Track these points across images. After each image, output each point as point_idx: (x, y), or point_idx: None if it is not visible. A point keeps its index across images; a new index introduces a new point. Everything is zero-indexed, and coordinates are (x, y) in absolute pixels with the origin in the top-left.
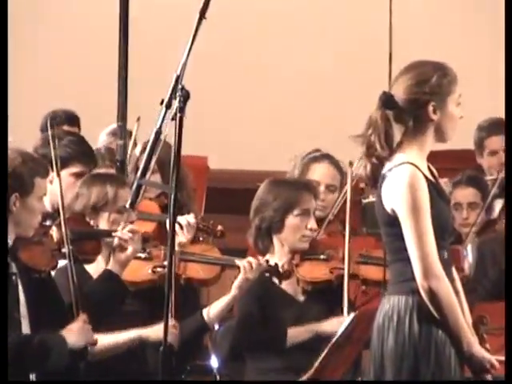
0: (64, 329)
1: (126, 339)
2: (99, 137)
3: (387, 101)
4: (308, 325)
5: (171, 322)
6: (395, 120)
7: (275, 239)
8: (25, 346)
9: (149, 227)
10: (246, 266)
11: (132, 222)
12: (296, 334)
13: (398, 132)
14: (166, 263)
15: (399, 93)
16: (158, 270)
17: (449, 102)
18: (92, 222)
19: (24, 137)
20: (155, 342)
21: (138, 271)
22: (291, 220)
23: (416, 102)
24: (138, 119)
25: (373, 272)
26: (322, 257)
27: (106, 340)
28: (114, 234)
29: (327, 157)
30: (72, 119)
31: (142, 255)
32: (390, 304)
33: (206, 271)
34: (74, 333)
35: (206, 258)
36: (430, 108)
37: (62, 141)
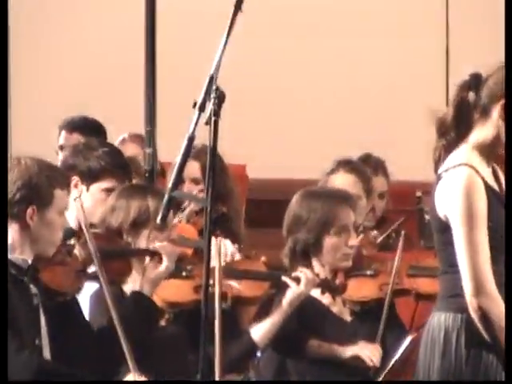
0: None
1: None
2: None
3: (474, 80)
4: (331, 344)
5: None
6: (474, 106)
7: (314, 261)
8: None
9: (185, 250)
10: (303, 278)
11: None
12: (317, 344)
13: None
14: (211, 281)
15: (489, 81)
16: None
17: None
18: (130, 240)
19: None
20: None
21: (180, 291)
22: (329, 240)
23: (492, 96)
24: None
25: (427, 285)
26: (368, 272)
27: None
28: (151, 247)
29: (343, 164)
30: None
31: (184, 273)
32: (436, 322)
33: (254, 288)
34: None
35: (255, 273)
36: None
37: (96, 151)
